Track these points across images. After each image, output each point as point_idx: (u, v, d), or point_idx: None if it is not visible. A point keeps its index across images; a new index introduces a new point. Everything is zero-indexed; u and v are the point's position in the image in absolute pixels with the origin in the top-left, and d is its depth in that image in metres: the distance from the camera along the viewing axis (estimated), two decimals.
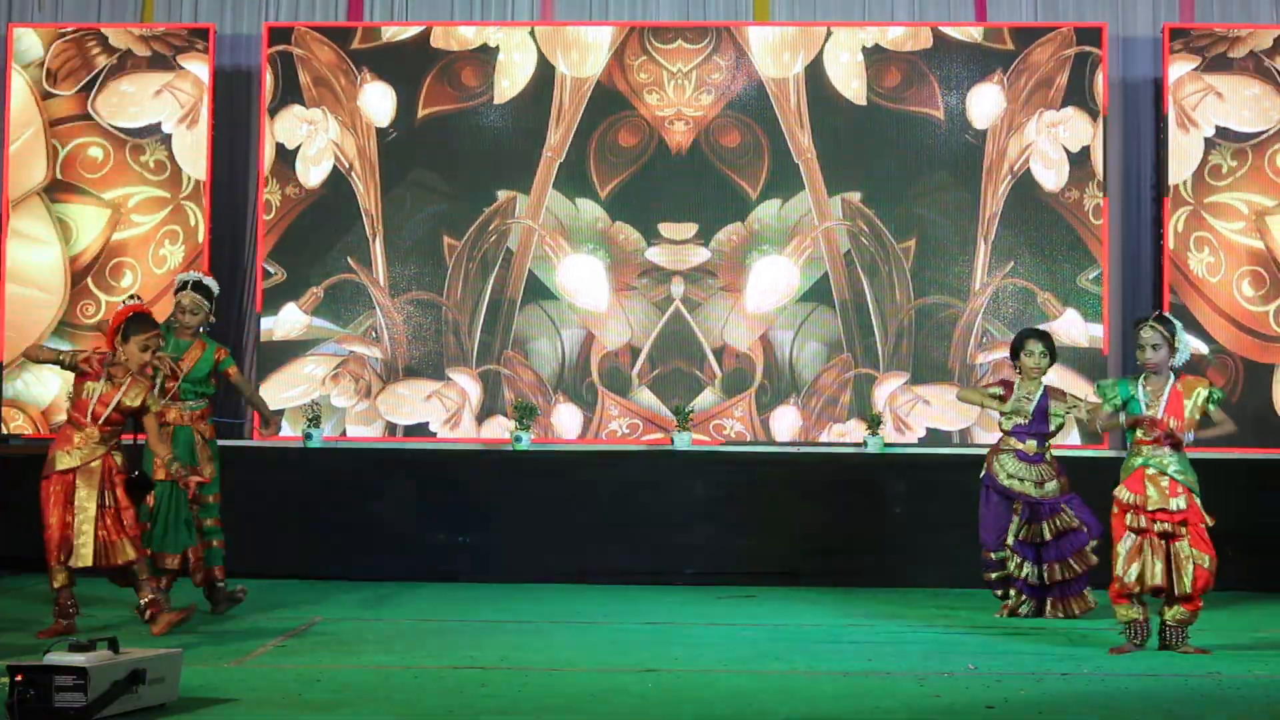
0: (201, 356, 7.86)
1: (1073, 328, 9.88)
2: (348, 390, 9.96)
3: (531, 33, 10.17)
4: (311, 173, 10.13)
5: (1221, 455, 9.45)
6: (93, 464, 6.97)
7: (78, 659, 5.08)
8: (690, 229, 10.06)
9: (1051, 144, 9.94)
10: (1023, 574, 7.87)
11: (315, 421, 9.68)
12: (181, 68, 10.10)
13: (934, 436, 9.92)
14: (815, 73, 10.05)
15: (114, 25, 10.31)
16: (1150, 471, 6.77)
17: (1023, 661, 6.51)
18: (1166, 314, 7.18)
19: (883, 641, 7.12)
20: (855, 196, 10.03)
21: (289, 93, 10.13)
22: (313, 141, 10.11)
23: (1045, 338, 8.10)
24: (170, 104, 10.11)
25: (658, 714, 5.41)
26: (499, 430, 9.96)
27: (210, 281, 8.07)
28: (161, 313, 8.31)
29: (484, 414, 10.02)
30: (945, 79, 10.03)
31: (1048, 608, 7.91)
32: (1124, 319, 10.03)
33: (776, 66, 10.08)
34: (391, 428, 10.00)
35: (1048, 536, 7.84)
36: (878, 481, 9.48)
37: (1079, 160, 9.90)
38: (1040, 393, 7.99)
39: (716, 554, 9.38)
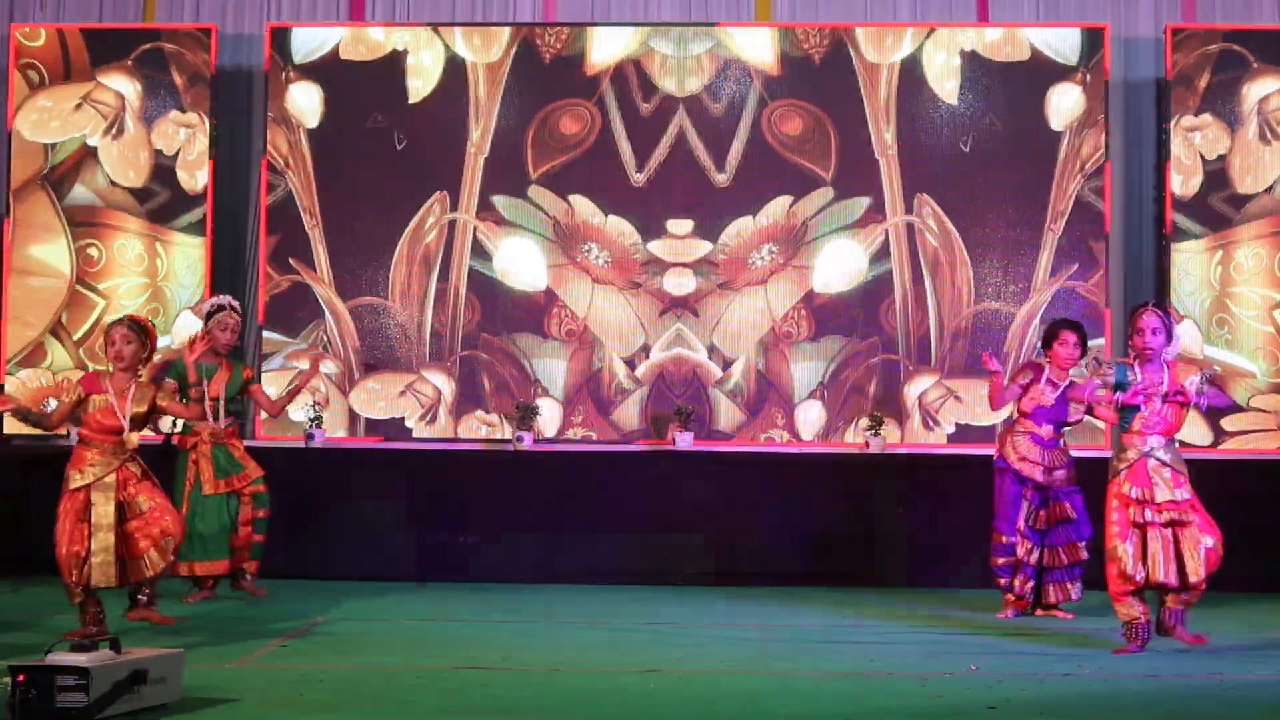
0: (230, 378, 8.30)
1: None
2: (305, 401, 9.79)
3: (434, 28, 10.13)
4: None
5: (1225, 457, 9.49)
6: (107, 478, 6.89)
7: (79, 659, 5.08)
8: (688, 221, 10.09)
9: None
10: (1031, 559, 7.89)
11: (317, 422, 9.70)
12: (98, 81, 10.06)
13: (965, 433, 9.84)
14: (911, 70, 10.01)
15: (115, 25, 10.31)
16: (1152, 464, 6.75)
17: (1024, 662, 6.51)
18: (1165, 302, 7.17)
19: (885, 642, 7.12)
20: (927, 193, 9.97)
21: (170, 96, 10.11)
22: (193, 145, 10.07)
23: (1079, 329, 8.03)
24: (92, 117, 10.07)
25: (659, 714, 5.41)
26: (476, 425, 9.94)
27: (238, 304, 8.52)
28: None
29: (460, 409, 10.00)
30: (1030, 76, 9.97)
31: (1049, 593, 7.94)
32: (1124, 322, 10.01)
33: (878, 52, 10.02)
34: (360, 422, 9.94)
35: (1047, 524, 7.87)
36: (879, 481, 9.47)
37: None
38: (1066, 382, 7.95)
39: (718, 554, 9.38)
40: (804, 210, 10.02)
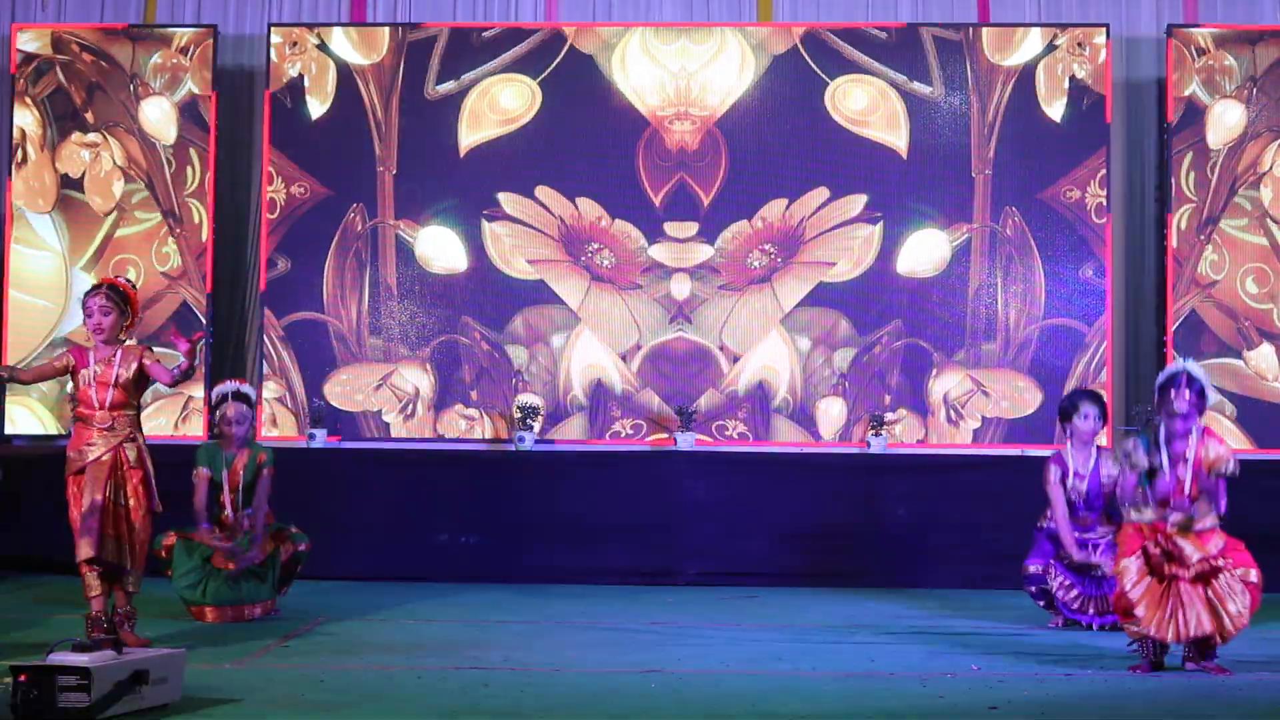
0: (247, 463, 7.88)
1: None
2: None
3: (322, 44, 10.06)
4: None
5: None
6: (104, 458, 6.69)
7: (81, 659, 5.08)
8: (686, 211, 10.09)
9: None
10: (1059, 589, 7.56)
11: (318, 422, 9.70)
12: None
13: (991, 427, 9.77)
14: (1024, 87, 9.92)
15: (117, 26, 10.30)
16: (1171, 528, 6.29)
17: (1026, 662, 6.51)
18: (1193, 369, 6.53)
19: (885, 642, 7.12)
20: (1015, 207, 9.91)
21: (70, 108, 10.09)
22: (99, 164, 10.03)
23: (1099, 400, 7.75)
24: None
25: (660, 714, 5.41)
26: (457, 419, 9.92)
27: (249, 389, 8.05)
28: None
29: (440, 405, 9.97)
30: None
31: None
32: (1126, 326, 10.00)
33: (1005, 51, 9.93)
34: (335, 416, 9.88)
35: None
36: (881, 481, 9.48)
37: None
38: (1095, 461, 7.58)
39: (719, 554, 9.38)
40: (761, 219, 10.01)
